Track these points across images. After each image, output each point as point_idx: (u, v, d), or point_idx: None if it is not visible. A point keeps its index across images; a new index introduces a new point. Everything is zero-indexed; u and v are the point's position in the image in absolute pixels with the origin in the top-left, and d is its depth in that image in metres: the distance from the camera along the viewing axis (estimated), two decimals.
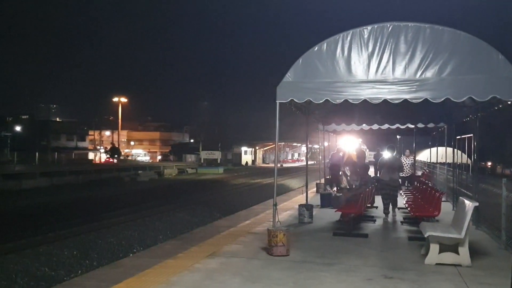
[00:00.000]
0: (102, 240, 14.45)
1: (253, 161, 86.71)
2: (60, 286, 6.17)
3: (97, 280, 6.19)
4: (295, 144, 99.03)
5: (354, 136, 18.40)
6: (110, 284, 5.89)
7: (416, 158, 22.24)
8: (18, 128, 68.21)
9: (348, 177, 14.91)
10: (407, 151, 19.62)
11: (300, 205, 11.22)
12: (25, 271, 11.01)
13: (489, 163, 46.19)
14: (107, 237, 14.88)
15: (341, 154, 15.92)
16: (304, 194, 13.24)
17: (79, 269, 11.34)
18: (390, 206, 11.84)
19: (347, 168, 15.15)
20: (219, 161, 65.81)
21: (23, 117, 78.27)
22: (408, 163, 18.16)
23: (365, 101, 7.90)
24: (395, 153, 12.08)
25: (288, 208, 13.33)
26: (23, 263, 11.56)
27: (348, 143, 17.25)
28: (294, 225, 10.49)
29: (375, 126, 15.03)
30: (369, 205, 12.35)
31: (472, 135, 11.57)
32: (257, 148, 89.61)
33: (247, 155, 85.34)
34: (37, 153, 56.08)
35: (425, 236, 7.17)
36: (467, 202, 7.24)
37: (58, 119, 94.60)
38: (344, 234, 9.29)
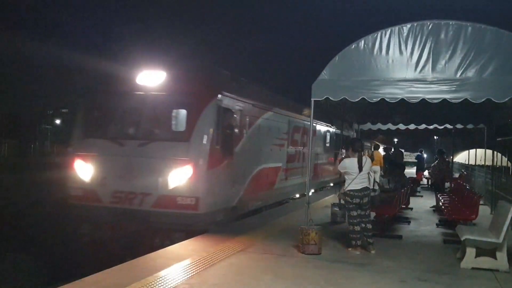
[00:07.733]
0: (139, 232, 14.67)
1: None
2: (101, 274, 6.25)
3: (137, 270, 6.30)
4: None
5: (391, 136, 18.06)
6: (146, 275, 5.99)
7: (454, 160, 21.70)
8: (57, 121, 70.09)
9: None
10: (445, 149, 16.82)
11: (333, 204, 11.15)
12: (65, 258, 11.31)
13: None
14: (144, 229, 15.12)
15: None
16: (337, 193, 13.14)
17: (119, 258, 11.53)
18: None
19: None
20: None
21: (62, 110, 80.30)
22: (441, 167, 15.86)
23: (402, 100, 7.76)
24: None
25: (321, 206, 13.26)
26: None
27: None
28: (326, 224, 10.44)
29: (411, 126, 14.72)
30: (404, 206, 12.16)
31: None
32: None
33: None
34: None
35: (462, 239, 7.02)
36: (506, 205, 7.05)
37: None
38: (378, 235, 9.16)
